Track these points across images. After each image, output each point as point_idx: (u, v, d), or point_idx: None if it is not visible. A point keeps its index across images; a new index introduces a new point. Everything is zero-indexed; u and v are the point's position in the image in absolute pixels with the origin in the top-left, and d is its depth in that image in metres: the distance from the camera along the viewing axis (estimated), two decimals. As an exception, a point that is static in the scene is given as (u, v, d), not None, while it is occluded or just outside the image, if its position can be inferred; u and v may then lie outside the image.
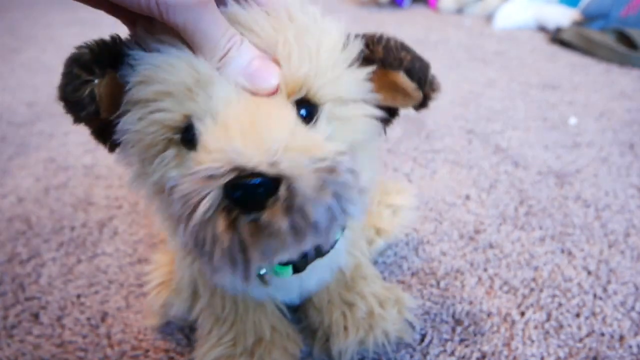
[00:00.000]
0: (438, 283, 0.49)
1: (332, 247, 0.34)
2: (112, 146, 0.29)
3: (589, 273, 0.50)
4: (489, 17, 1.48)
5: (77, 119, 0.26)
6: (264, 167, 0.21)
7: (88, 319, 0.45)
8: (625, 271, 0.50)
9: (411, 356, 0.41)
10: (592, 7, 1.23)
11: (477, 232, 0.56)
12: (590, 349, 0.41)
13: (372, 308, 0.40)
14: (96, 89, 0.25)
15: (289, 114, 0.25)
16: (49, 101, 0.94)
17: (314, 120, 0.26)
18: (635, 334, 0.43)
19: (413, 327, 0.43)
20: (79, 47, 0.25)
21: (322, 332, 0.41)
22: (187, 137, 0.26)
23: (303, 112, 0.26)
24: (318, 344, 0.41)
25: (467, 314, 0.45)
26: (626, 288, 0.48)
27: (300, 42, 0.26)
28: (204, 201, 0.22)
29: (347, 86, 0.27)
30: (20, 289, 0.48)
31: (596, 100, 0.91)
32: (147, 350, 0.42)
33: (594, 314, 0.45)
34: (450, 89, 0.97)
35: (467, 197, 0.63)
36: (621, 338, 0.42)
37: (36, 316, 0.45)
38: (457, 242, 0.55)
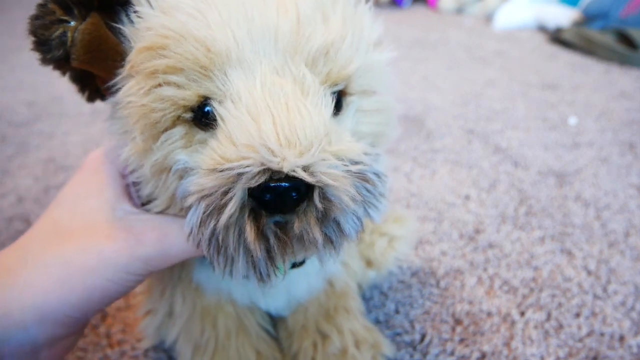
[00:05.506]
0: (438, 283, 0.49)
1: None
2: (92, 96, 0.27)
3: (589, 273, 0.50)
4: (489, 17, 1.48)
5: (44, 61, 0.23)
6: (299, 172, 0.19)
7: (88, 318, 0.45)
8: (625, 271, 0.50)
9: (411, 356, 0.41)
10: (592, 7, 1.23)
11: (477, 232, 0.56)
12: (590, 348, 0.41)
13: (347, 346, 0.36)
14: (70, 32, 0.22)
15: (325, 108, 0.23)
16: (49, 101, 0.94)
17: (341, 112, 0.25)
18: (635, 334, 0.43)
19: (395, 335, 0.41)
20: None
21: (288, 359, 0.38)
22: (199, 116, 0.23)
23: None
24: None
25: (467, 313, 0.45)
26: (626, 288, 0.48)
27: (352, 33, 0.24)
28: (231, 204, 0.20)
29: (374, 75, 0.26)
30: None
31: (596, 100, 0.91)
32: (147, 350, 0.42)
33: (594, 314, 0.45)
34: (450, 89, 0.97)
35: (467, 197, 0.63)
36: (621, 338, 0.42)
37: (36, 316, 0.45)
38: (457, 242, 0.55)
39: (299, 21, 0.22)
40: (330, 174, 0.20)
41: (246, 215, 0.20)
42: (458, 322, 0.44)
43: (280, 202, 0.20)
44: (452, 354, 0.41)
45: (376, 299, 0.47)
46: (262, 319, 0.37)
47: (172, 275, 0.33)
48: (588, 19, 1.26)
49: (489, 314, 0.45)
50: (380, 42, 0.27)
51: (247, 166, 0.19)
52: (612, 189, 0.64)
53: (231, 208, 0.20)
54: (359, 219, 0.22)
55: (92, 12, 0.23)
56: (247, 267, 0.22)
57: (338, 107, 0.25)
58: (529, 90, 0.97)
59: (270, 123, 0.20)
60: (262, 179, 0.19)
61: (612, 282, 0.48)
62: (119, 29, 0.24)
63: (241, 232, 0.20)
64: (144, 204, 0.28)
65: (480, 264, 0.51)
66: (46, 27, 0.22)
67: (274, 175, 0.19)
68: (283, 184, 0.19)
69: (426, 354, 0.41)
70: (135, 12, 0.23)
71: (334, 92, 0.24)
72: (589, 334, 0.43)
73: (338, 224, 0.21)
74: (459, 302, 0.46)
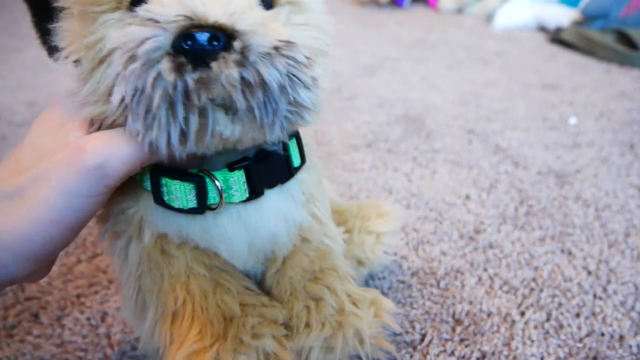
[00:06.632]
0: (438, 283, 0.49)
1: (284, 160, 0.30)
2: (51, 49, 0.27)
3: (589, 273, 0.50)
4: (489, 17, 1.48)
5: None
6: (221, 19, 0.20)
7: (88, 319, 0.45)
8: (625, 271, 0.50)
9: (411, 356, 0.41)
10: (592, 7, 1.23)
11: (477, 232, 0.56)
12: (590, 348, 0.41)
13: (343, 305, 0.33)
14: None
15: None
16: (49, 101, 0.94)
17: (271, 12, 0.25)
18: (635, 334, 0.43)
19: (395, 335, 0.39)
20: None
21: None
22: (136, 2, 0.23)
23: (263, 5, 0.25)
24: None
25: (467, 314, 0.45)
26: (626, 288, 0.48)
27: None
28: (149, 41, 0.20)
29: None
30: (20, 289, 0.48)
31: (596, 100, 0.91)
32: (147, 350, 0.42)
33: (594, 314, 0.45)
34: (450, 89, 0.97)
35: (467, 197, 0.63)
36: (621, 338, 0.42)
37: (36, 316, 0.45)
38: (457, 242, 0.55)
39: None
40: (252, 26, 0.21)
41: (165, 55, 0.20)
42: (458, 322, 0.44)
43: (201, 50, 0.20)
44: (452, 354, 0.41)
45: (376, 299, 0.47)
46: (243, 279, 0.34)
47: (132, 236, 0.31)
48: (588, 19, 1.26)
49: (489, 314, 0.45)
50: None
51: (169, 13, 0.20)
52: (612, 189, 0.64)
53: (150, 44, 0.20)
54: (283, 79, 0.22)
55: None
56: (163, 109, 0.21)
57: (268, 9, 0.25)
58: (529, 90, 0.97)
59: None
60: (183, 23, 0.20)
61: (612, 282, 0.48)
62: None
63: (159, 70, 0.20)
64: None
65: (481, 264, 0.51)
66: None
67: (195, 22, 0.20)
68: (205, 32, 0.20)
69: (426, 354, 0.41)
70: None
71: None
72: (589, 334, 0.43)
73: (256, 68, 0.21)
74: (459, 302, 0.46)
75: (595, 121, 0.83)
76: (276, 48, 0.21)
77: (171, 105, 0.21)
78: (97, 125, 0.26)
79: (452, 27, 1.42)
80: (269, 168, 0.29)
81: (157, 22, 0.20)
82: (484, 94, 0.95)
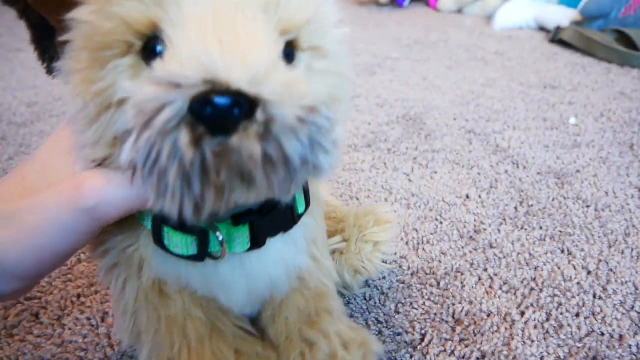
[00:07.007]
0: (438, 283, 0.49)
1: (289, 209, 0.30)
2: (50, 69, 0.25)
3: (589, 273, 0.50)
4: (489, 17, 1.48)
5: None
6: (243, 85, 0.18)
7: (88, 318, 0.45)
8: (625, 271, 0.50)
9: (411, 356, 0.41)
10: (592, 7, 1.23)
11: (477, 232, 0.56)
12: (590, 348, 0.41)
13: (335, 350, 0.34)
14: None
15: (276, 45, 0.22)
16: (49, 102, 0.94)
17: (293, 64, 0.24)
18: (635, 334, 0.43)
19: (395, 335, 0.41)
20: None
21: None
22: (149, 47, 0.22)
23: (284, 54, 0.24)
24: None
25: (467, 314, 0.45)
26: (626, 288, 0.48)
27: None
28: (167, 109, 0.18)
29: (328, 40, 0.26)
30: (21, 289, 0.49)
31: (596, 100, 0.91)
32: (148, 350, 0.42)
33: (593, 313, 0.45)
34: (450, 89, 0.97)
35: (467, 197, 0.63)
36: (621, 338, 0.42)
37: (36, 316, 0.46)
38: (457, 242, 0.55)
39: None
40: (275, 93, 0.19)
41: (183, 124, 0.18)
42: (458, 322, 0.44)
43: (221, 118, 0.18)
44: (452, 354, 0.41)
45: (376, 299, 0.47)
46: (239, 320, 0.35)
47: (130, 274, 0.31)
48: (587, 19, 1.26)
49: (489, 314, 0.45)
50: (339, 23, 0.27)
51: (187, 76, 0.18)
52: (612, 189, 0.64)
53: (167, 112, 0.18)
54: (305, 149, 0.20)
55: None
56: (179, 182, 0.20)
57: (290, 59, 0.24)
58: (529, 90, 0.97)
59: (217, 39, 0.19)
60: (202, 88, 0.18)
61: (612, 282, 0.48)
62: None
63: (176, 139, 0.19)
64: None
65: (481, 264, 0.51)
66: None
67: (216, 87, 0.18)
68: (226, 98, 0.18)
69: (426, 354, 0.41)
70: None
71: (285, 41, 0.23)
72: (589, 334, 0.43)
73: (279, 143, 0.19)
74: (459, 302, 0.46)
75: (595, 121, 0.83)
76: (300, 118, 0.20)
77: (187, 178, 0.19)
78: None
79: (452, 27, 1.42)
80: (273, 219, 0.29)
81: (176, 85, 0.18)
82: (484, 94, 0.95)
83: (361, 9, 1.62)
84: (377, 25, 1.44)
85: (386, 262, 0.45)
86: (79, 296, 0.48)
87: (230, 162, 0.19)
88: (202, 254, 0.27)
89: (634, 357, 0.41)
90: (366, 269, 0.44)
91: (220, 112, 0.18)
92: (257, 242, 0.28)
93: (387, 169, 0.70)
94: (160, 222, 0.27)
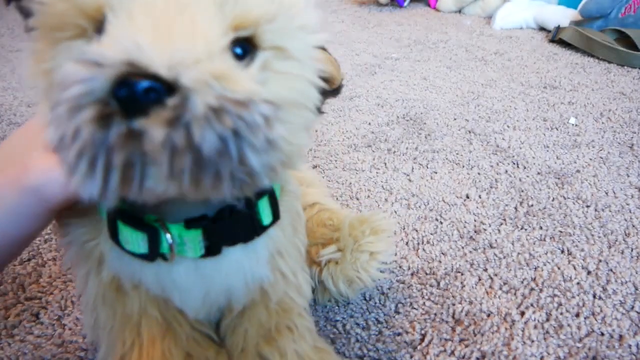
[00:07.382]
0: (438, 283, 0.49)
1: (249, 218, 0.29)
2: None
3: (589, 273, 0.50)
4: (488, 17, 1.48)
5: None
6: (162, 70, 0.18)
7: (88, 318, 0.45)
8: (624, 271, 0.50)
9: (411, 356, 0.41)
10: (591, 7, 1.23)
11: (477, 232, 0.56)
12: (589, 348, 0.41)
13: None
14: None
15: (220, 38, 0.21)
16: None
17: (246, 62, 0.23)
18: (635, 334, 0.43)
19: (395, 335, 0.40)
20: None
21: None
22: (100, 31, 0.22)
23: (238, 50, 0.23)
24: None
25: (467, 314, 0.45)
26: (626, 288, 0.48)
27: None
28: (79, 85, 0.18)
29: (295, 42, 0.25)
30: (21, 289, 0.49)
31: (596, 100, 0.91)
32: (148, 350, 0.42)
33: (593, 313, 0.45)
34: (450, 89, 0.97)
35: (467, 197, 0.63)
36: (620, 338, 0.42)
37: (37, 316, 0.46)
38: (457, 242, 0.55)
39: None
40: (196, 81, 0.18)
41: (94, 102, 0.18)
42: (458, 322, 0.44)
43: (134, 100, 0.18)
44: (452, 354, 0.41)
45: (376, 299, 0.47)
46: (198, 323, 0.35)
47: (91, 269, 0.31)
48: (587, 19, 1.26)
49: (489, 314, 0.45)
50: (315, 29, 0.26)
51: (109, 56, 0.18)
52: (612, 189, 0.64)
53: (79, 88, 0.18)
54: (224, 143, 0.19)
55: None
56: (81, 160, 0.19)
57: (243, 55, 0.23)
58: (529, 90, 0.97)
59: (149, 24, 0.19)
60: (121, 69, 0.18)
61: (612, 282, 0.48)
62: None
63: (85, 116, 0.18)
64: None
65: (481, 264, 0.51)
66: None
67: (134, 69, 0.18)
68: (144, 81, 0.18)
69: (426, 354, 0.41)
70: None
71: (240, 38, 0.23)
72: (589, 334, 0.43)
73: (188, 130, 0.18)
74: (459, 302, 0.46)
75: (595, 121, 0.83)
76: (217, 109, 0.19)
77: (91, 158, 0.19)
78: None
79: (452, 27, 1.42)
80: (230, 227, 0.28)
81: (97, 64, 0.18)
82: (484, 94, 0.95)
83: (361, 9, 1.62)
84: (377, 25, 1.44)
85: (383, 272, 0.44)
86: (79, 296, 0.48)
87: (131, 146, 0.19)
88: (153, 254, 0.27)
89: (633, 357, 0.41)
90: (361, 279, 0.42)
91: (134, 94, 0.18)
92: (210, 250, 0.28)
93: (387, 169, 0.70)
94: (113, 215, 0.26)
